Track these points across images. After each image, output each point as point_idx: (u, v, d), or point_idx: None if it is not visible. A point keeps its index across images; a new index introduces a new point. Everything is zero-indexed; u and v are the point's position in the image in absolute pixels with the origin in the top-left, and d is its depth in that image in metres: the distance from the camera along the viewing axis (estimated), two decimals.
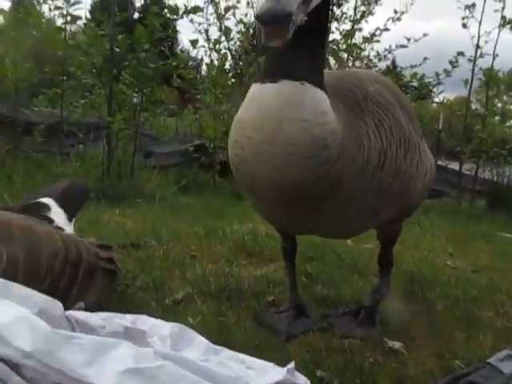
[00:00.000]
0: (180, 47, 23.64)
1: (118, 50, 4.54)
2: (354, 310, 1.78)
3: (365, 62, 6.36)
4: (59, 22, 5.22)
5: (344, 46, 5.86)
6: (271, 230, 2.93)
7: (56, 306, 0.75)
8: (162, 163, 5.94)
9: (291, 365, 0.74)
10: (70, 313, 0.80)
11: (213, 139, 5.82)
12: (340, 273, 2.30)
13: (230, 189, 5.82)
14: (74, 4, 4.71)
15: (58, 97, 5.24)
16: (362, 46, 6.09)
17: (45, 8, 5.36)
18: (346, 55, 6.08)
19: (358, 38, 6.26)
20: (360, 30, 6.19)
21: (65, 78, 5.03)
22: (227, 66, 7.11)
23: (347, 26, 6.36)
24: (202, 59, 12.07)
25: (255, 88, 1.27)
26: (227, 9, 5.56)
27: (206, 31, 6.06)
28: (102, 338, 0.59)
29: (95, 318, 0.83)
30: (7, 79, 5.07)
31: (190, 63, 10.31)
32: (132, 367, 0.54)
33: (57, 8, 5.12)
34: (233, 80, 7.12)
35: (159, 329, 0.88)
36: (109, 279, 1.53)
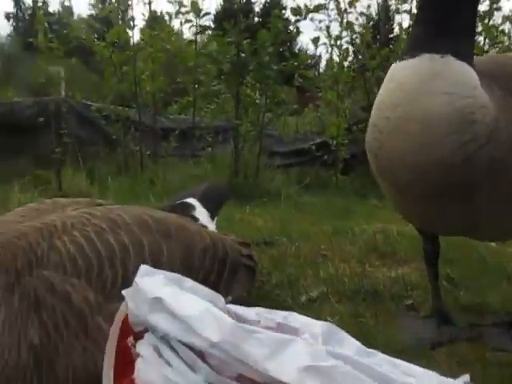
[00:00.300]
0: (298, 46, 23.83)
1: (243, 55, 4.74)
2: (508, 322, 1.61)
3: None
4: (187, 33, 5.63)
5: (480, 29, 5.34)
6: (403, 229, 2.81)
7: (219, 299, 0.80)
8: (285, 162, 6.05)
9: (466, 378, 0.69)
10: (230, 306, 0.84)
11: (335, 136, 5.75)
12: (485, 278, 2.11)
13: (353, 187, 5.71)
14: (203, 16, 5.04)
15: (191, 104, 5.65)
16: (502, 28, 5.49)
17: (175, 22, 5.82)
18: (482, 39, 5.54)
19: (496, 19, 5.66)
20: (499, 9, 5.58)
21: (196, 86, 5.40)
22: (347, 63, 6.97)
23: (483, 6, 5.79)
24: (320, 56, 12.05)
25: (393, 66, 1.21)
26: (351, 3, 5.45)
27: (328, 28, 6.01)
28: (279, 334, 0.62)
29: (250, 312, 0.87)
30: (146, 91, 5.61)
31: (309, 61, 10.33)
32: (310, 365, 0.55)
33: (187, 21, 5.55)
34: (354, 75, 6.95)
35: (310, 326, 0.89)
36: (250, 276, 1.59)
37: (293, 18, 4.90)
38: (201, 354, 0.61)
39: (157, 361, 0.63)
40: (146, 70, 5.29)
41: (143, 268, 0.76)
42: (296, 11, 4.49)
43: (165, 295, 0.66)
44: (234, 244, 1.57)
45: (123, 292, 0.77)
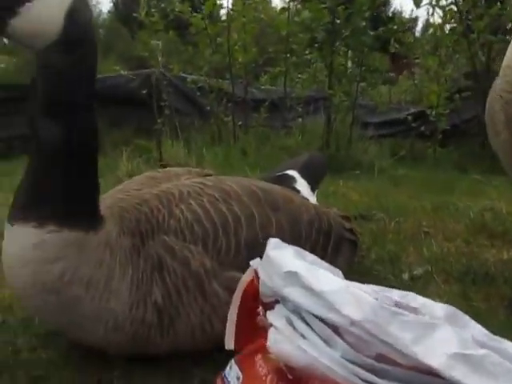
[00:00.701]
0: (392, 9, 22.42)
1: (337, 21, 4.56)
2: None
3: None
4: (277, 1, 5.51)
5: None
6: None
7: (338, 273, 0.80)
8: (378, 133, 5.82)
9: None
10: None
11: (435, 106, 5.39)
12: None
13: (453, 160, 5.35)
14: None
15: (282, 74, 5.60)
16: None
17: None
18: None
19: None
20: None
21: (287, 55, 5.33)
22: (450, 25, 6.40)
23: None
24: (415, 19, 11.22)
25: None
26: None
27: None
28: (425, 317, 0.61)
29: (367, 289, 0.85)
30: (238, 62, 5.65)
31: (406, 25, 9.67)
32: (459, 352, 0.53)
33: None
34: (456, 39, 6.39)
35: (430, 308, 0.85)
36: (352, 250, 1.57)
37: None
38: (336, 330, 0.61)
39: (291, 332, 0.65)
40: (238, 40, 5.31)
41: (273, 241, 0.77)
42: None
43: (299, 269, 0.66)
44: (337, 217, 1.55)
45: (252, 262, 0.80)
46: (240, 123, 5.59)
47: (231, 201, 1.22)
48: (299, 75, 6.01)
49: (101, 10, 27.17)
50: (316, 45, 4.85)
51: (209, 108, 5.57)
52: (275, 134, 5.60)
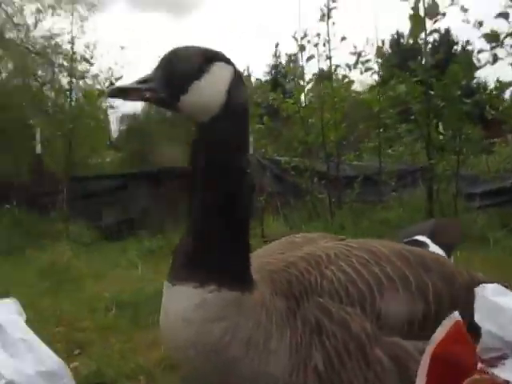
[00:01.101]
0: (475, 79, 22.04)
1: (432, 92, 4.55)
2: None
3: None
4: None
5: None
6: None
7: None
8: (484, 203, 5.46)
9: None
10: None
11: None
12: None
13: None
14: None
15: (376, 149, 5.60)
16: None
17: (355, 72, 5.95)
18: None
19: None
20: None
21: (380, 130, 5.36)
22: None
23: None
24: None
25: None
26: None
27: None
28: None
29: None
30: (330, 140, 5.77)
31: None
32: None
33: (368, 69, 5.64)
34: None
35: None
36: None
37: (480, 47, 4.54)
38: None
39: None
40: (330, 119, 5.48)
41: (495, 286, 0.70)
42: (492, 37, 4.16)
43: None
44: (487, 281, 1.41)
45: (453, 315, 0.72)
46: (333, 200, 5.59)
47: (382, 262, 1.16)
48: (391, 149, 5.98)
49: None
50: (411, 117, 4.84)
51: (303, 186, 5.66)
52: (370, 209, 5.50)
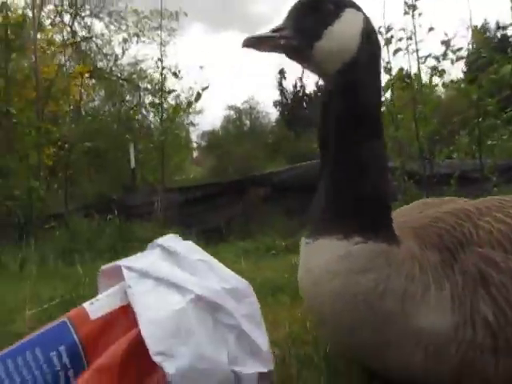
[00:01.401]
0: None
1: None
2: None
3: None
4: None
5: None
6: None
7: None
8: None
9: None
10: None
11: None
12: None
13: None
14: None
15: (475, 139, 5.22)
16: None
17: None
18: None
19: None
20: None
21: (479, 120, 4.98)
22: None
23: None
24: None
25: None
26: None
27: None
28: None
29: None
30: (421, 136, 5.47)
31: None
32: None
33: (459, 58, 5.30)
34: None
35: None
36: None
37: None
38: None
39: None
40: (421, 113, 5.21)
41: None
42: None
43: None
44: None
45: None
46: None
47: None
48: (490, 141, 5.53)
49: (269, 119, 30.53)
50: None
51: (395, 185, 5.41)
52: None
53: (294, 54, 1.05)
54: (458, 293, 0.96)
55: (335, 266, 0.97)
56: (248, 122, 29.57)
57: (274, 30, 1.02)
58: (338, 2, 1.03)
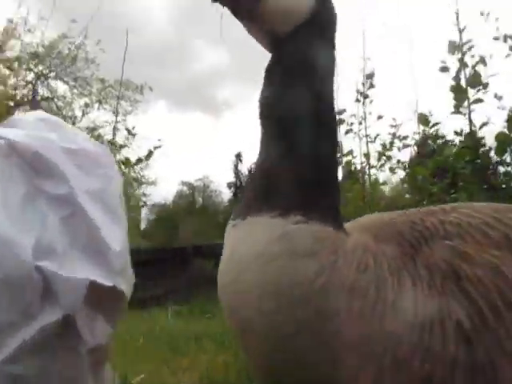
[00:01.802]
0: None
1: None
2: None
3: None
4: None
5: None
6: None
7: None
8: None
9: None
10: None
11: None
12: None
13: None
14: None
15: None
16: None
17: None
18: None
19: None
20: None
21: (424, 202, 5.12)
22: None
23: None
24: None
25: None
26: None
27: None
28: None
29: None
30: None
31: None
32: None
33: (405, 146, 5.58)
34: None
35: None
36: None
37: None
38: None
39: None
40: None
41: None
42: None
43: None
44: None
45: None
46: None
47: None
48: None
49: (222, 198, 30.69)
50: (460, 183, 4.62)
51: None
52: None
53: (240, 10, 0.93)
54: (422, 289, 0.78)
55: (267, 249, 0.78)
56: (200, 200, 29.58)
57: None
58: None
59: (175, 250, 7.66)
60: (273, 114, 0.91)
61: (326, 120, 0.91)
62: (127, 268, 0.66)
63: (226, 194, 31.91)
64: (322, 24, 0.94)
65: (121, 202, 0.70)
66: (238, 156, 32.14)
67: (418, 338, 0.73)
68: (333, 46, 0.97)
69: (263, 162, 0.88)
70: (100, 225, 0.64)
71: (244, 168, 32.00)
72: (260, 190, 0.85)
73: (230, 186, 31.95)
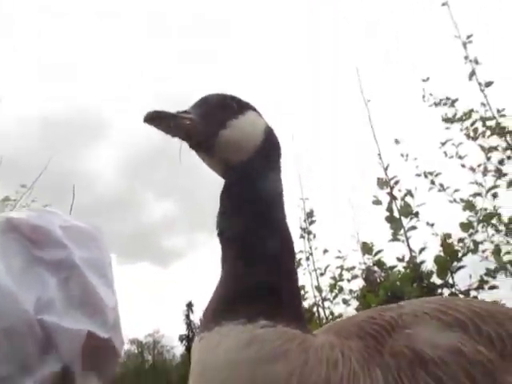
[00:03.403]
0: None
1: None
2: None
3: None
4: None
5: None
6: None
7: None
8: None
9: None
10: None
11: None
12: None
13: None
14: None
15: None
16: None
17: None
18: None
19: None
20: None
21: None
22: None
23: None
24: None
25: None
26: None
27: None
28: None
29: None
30: None
31: None
32: None
33: (354, 277, 5.76)
34: None
35: None
36: None
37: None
38: None
39: None
40: None
41: None
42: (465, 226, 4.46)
43: None
44: None
45: None
46: None
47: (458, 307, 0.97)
48: None
49: (174, 354, 28.47)
50: None
51: None
52: None
53: (197, 139, 1.04)
54: (393, 377, 0.81)
55: (237, 355, 0.79)
56: (150, 358, 27.34)
57: (178, 112, 1.02)
58: (243, 103, 1.10)
59: None
60: (227, 234, 0.97)
61: (281, 235, 0.98)
62: (120, 326, 0.66)
63: (179, 349, 29.93)
64: (270, 153, 1.08)
65: (111, 271, 0.73)
66: (189, 305, 31.08)
67: None
68: (280, 173, 1.10)
69: (225, 278, 0.92)
70: (96, 284, 0.70)
71: (196, 318, 30.78)
72: (224, 302, 0.87)
73: (181, 338, 30.14)
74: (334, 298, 5.66)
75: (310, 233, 6.60)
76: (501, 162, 5.19)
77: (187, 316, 30.47)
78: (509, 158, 5.23)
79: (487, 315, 0.95)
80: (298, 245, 6.67)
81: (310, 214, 6.64)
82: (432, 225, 5.37)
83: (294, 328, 0.85)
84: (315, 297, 5.77)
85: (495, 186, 4.69)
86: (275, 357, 0.79)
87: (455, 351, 0.83)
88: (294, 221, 6.78)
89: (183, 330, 30.35)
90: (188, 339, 29.28)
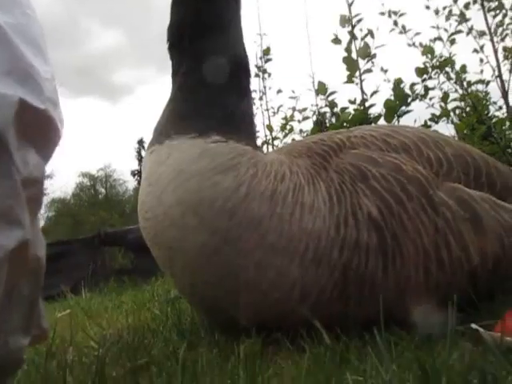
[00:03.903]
0: None
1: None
2: None
3: None
4: None
5: None
6: None
7: None
8: None
9: None
10: None
11: None
12: None
13: None
14: None
15: None
16: None
17: None
18: None
19: None
20: None
21: None
22: None
23: None
24: None
25: None
26: None
27: None
28: None
29: None
30: None
31: None
32: None
33: (305, 118, 5.87)
34: None
35: None
36: None
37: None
38: None
39: None
40: None
41: None
42: (421, 71, 4.50)
43: None
44: None
45: None
46: None
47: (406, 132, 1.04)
48: None
49: (127, 187, 29.57)
50: None
51: None
52: None
53: None
54: (335, 190, 0.88)
55: (188, 167, 0.81)
56: (103, 190, 28.28)
57: None
58: None
59: (80, 240, 7.30)
60: (179, 45, 0.92)
61: (236, 51, 0.95)
62: (58, 102, 0.63)
63: (131, 183, 30.91)
64: None
65: (44, 42, 0.65)
66: (141, 142, 31.19)
67: (335, 231, 0.82)
68: None
69: (176, 93, 0.90)
70: (24, 51, 0.60)
71: None
72: (175, 116, 0.87)
73: (134, 173, 30.94)
74: (285, 137, 5.84)
75: (265, 71, 6.44)
76: (466, 5, 5.03)
77: (138, 152, 30.78)
78: (475, 1, 5.05)
79: (430, 141, 1.02)
80: (252, 83, 6.56)
81: (266, 52, 6.39)
82: (386, 71, 5.38)
83: (244, 145, 0.88)
84: (266, 136, 5.93)
85: (458, 32, 4.61)
86: (225, 169, 0.83)
87: (396, 169, 0.90)
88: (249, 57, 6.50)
89: (135, 166, 30.96)
90: (140, 174, 30.11)
